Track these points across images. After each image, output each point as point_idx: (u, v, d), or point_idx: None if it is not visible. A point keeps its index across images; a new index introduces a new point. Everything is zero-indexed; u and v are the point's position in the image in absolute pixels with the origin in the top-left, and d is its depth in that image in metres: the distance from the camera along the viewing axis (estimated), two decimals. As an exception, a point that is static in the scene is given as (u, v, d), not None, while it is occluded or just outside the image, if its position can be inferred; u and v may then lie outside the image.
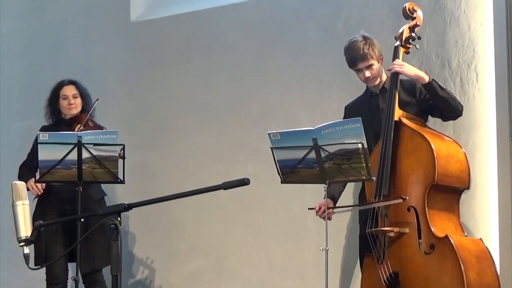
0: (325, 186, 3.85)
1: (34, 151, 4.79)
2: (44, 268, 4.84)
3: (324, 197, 3.90)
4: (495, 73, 4.47)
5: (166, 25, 5.90)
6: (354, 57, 4.09)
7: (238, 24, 5.55)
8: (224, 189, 2.58)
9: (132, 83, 5.94)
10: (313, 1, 5.25)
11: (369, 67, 4.07)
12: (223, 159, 5.49)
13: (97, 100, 4.93)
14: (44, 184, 4.72)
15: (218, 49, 5.62)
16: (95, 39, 6.20)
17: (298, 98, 5.22)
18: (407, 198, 3.74)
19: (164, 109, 5.81)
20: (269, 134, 3.89)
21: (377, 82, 4.13)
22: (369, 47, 4.06)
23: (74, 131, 4.77)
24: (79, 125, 4.84)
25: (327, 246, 3.83)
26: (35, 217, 4.49)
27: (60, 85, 4.99)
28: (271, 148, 3.89)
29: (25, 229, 2.80)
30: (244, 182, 2.56)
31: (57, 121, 4.99)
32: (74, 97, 4.94)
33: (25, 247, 2.80)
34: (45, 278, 4.86)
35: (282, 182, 3.96)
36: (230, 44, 5.57)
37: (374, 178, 3.83)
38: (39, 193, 4.71)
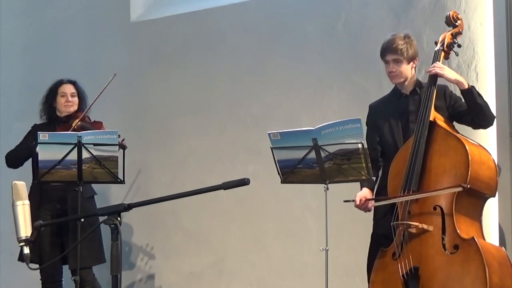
0: (325, 186, 3.85)
1: (25, 141, 4.92)
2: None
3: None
4: (495, 73, 4.47)
5: (166, 25, 5.90)
6: (385, 47, 4.08)
7: (238, 24, 5.55)
8: (224, 189, 2.58)
9: (132, 83, 5.94)
10: (313, 1, 5.25)
11: (396, 61, 4.05)
12: (223, 159, 5.49)
13: (115, 75, 5.00)
14: None
15: (218, 49, 5.62)
16: (95, 39, 6.20)
17: (298, 98, 5.22)
18: (468, 186, 3.72)
19: (164, 109, 5.81)
20: (269, 134, 3.89)
21: (399, 80, 4.10)
22: (404, 44, 4.05)
23: (71, 126, 4.81)
24: (77, 120, 4.86)
25: (327, 246, 3.83)
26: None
27: (59, 83, 5.03)
28: (271, 148, 3.88)
29: (25, 229, 2.79)
30: (244, 182, 2.56)
31: (51, 119, 5.01)
32: (72, 95, 4.98)
33: (25, 247, 2.79)
34: (40, 278, 4.86)
35: (282, 182, 3.95)
36: (230, 44, 5.57)
37: (374, 178, 3.82)
38: None
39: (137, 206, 2.72)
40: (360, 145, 3.69)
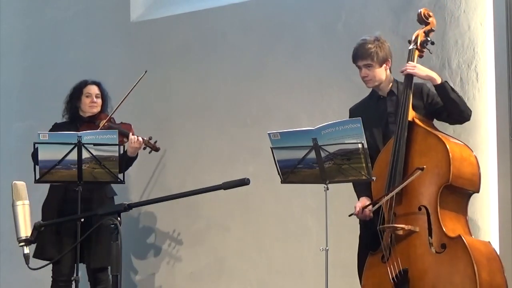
0: (325, 186, 3.85)
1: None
2: (44, 268, 4.83)
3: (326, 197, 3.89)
4: (495, 73, 4.47)
5: (166, 25, 5.90)
6: (356, 53, 4.10)
7: (238, 24, 5.55)
8: (224, 189, 2.58)
9: (132, 83, 5.93)
10: (313, 1, 5.25)
11: (367, 66, 4.07)
12: (223, 159, 5.49)
13: (146, 72, 5.04)
14: None
15: (218, 49, 5.62)
16: (95, 39, 6.20)
17: (298, 98, 5.22)
18: (424, 167, 3.73)
19: (164, 109, 5.81)
20: (269, 134, 3.89)
21: (374, 84, 4.11)
22: (375, 48, 4.05)
23: (98, 126, 4.86)
24: (103, 121, 4.90)
25: (327, 246, 3.83)
26: (51, 216, 4.62)
27: (84, 83, 5.06)
28: (271, 148, 3.88)
29: (25, 229, 2.80)
30: (244, 182, 2.56)
31: (73, 118, 5.02)
32: (97, 97, 5.02)
33: (25, 247, 2.79)
34: (51, 275, 4.86)
35: (282, 182, 3.95)
36: (230, 44, 5.57)
37: (374, 178, 3.82)
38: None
39: (137, 206, 2.73)
40: (360, 145, 3.69)
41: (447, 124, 4.45)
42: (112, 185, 4.99)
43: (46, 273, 4.88)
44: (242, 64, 5.50)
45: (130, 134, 4.83)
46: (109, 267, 3.15)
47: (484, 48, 4.54)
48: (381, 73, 4.09)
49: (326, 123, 3.80)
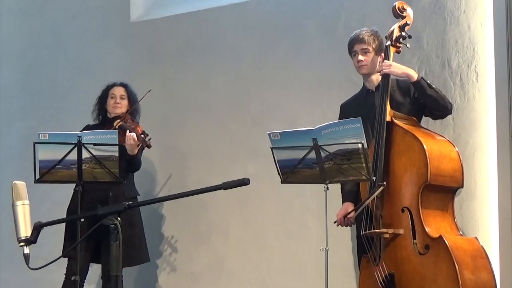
0: (325, 186, 3.85)
1: None
2: (45, 268, 4.82)
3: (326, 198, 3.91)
4: (495, 73, 4.46)
5: (166, 25, 5.90)
6: (352, 39, 4.15)
7: (238, 24, 5.55)
8: (224, 189, 2.58)
9: (132, 83, 5.93)
10: (313, 1, 5.25)
11: (364, 51, 4.09)
12: (223, 159, 5.49)
13: (149, 91, 5.06)
14: None
15: (218, 49, 5.62)
16: (95, 39, 6.20)
17: (298, 98, 5.22)
18: (384, 183, 3.74)
19: (164, 109, 5.80)
20: (269, 134, 3.89)
21: (368, 71, 4.13)
22: (371, 36, 4.11)
23: (114, 126, 4.88)
24: (119, 120, 4.94)
25: (327, 246, 3.83)
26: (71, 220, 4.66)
27: (111, 85, 5.13)
28: (271, 148, 3.88)
29: (25, 229, 2.79)
30: (244, 182, 2.55)
31: (103, 120, 5.09)
32: (122, 98, 5.06)
33: (25, 247, 2.79)
34: (65, 272, 4.86)
35: (282, 182, 3.95)
36: (230, 44, 5.57)
37: (375, 178, 3.82)
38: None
39: (137, 206, 2.73)
40: (360, 145, 3.69)
41: (446, 123, 4.46)
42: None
43: (46, 273, 4.88)
44: (242, 64, 5.50)
45: (128, 131, 4.81)
46: (110, 267, 3.14)
47: (484, 48, 4.54)
48: (376, 61, 4.11)
49: (326, 123, 3.79)
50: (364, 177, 3.77)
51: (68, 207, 4.94)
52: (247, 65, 5.47)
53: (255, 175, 4.99)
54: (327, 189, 3.89)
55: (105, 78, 5.75)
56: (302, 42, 5.25)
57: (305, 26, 5.25)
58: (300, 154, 3.80)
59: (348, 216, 4.06)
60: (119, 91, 5.08)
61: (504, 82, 4.40)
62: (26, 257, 2.80)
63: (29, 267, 2.81)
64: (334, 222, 4.11)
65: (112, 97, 5.06)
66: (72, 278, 4.60)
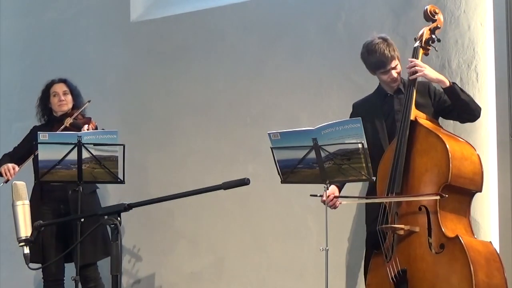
0: (325, 186, 3.85)
1: (23, 144, 4.93)
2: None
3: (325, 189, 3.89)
4: (495, 73, 4.47)
5: (166, 25, 5.90)
6: (381, 60, 4.05)
7: (238, 24, 5.55)
8: (224, 189, 2.58)
9: (132, 83, 5.94)
10: (313, 1, 5.25)
11: (396, 68, 4.08)
12: (223, 159, 5.49)
13: (89, 101, 5.01)
14: (15, 170, 4.69)
15: (218, 49, 5.62)
16: (95, 39, 6.20)
17: (298, 98, 5.22)
18: (446, 195, 3.70)
19: (164, 109, 5.81)
20: (269, 134, 3.89)
21: (400, 82, 4.13)
22: (390, 48, 4.06)
23: (64, 124, 4.83)
24: (69, 118, 4.88)
25: (327, 246, 3.83)
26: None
27: (51, 84, 5.06)
28: (271, 148, 3.88)
29: (25, 229, 2.80)
30: (244, 182, 2.56)
31: (49, 120, 5.04)
32: (65, 93, 5.00)
33: (25, 247, 2.80)
34: (42, 276, 4.87)
35: (282, 182, 3.95)
36: (230, 44, 5.57)
37: (374, 178, 3.82)
38: (9, 178, 4.62)
39: (137, 206, 2.73)
40: (360, 145, 3.69)
41: (447, 123, 4.46)
42: (112, 185, 4.99)
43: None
44: (242, 64, 5.50)
45: (84, 127, 4.76)
46: (109, 267, 3.14)
47: (484, 48, 4.54)
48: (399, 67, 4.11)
49: (326, 123, 3.79)
50: (364, 177, 3.77)
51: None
52: (247, 65, 5.47)
53: (255, 175, 5.00)
54: (327, 189, 3.89)
55: (105, 78, 5.76)
56: (302, 42, 5.25)
57: (305, 26, 5.25)
58: (300, 154, 3.81)
59: (336, 200, 4.02)
60: (60, 87, 5.01)
61: (504, 82, 4.40)
62: (26, 257, 2.80)
63: (29, 267, 2.81)
64: (312, 195, 4.01)
65: (54, 95, 4.99)
66: (72, 278, 4.60)
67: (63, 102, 4.97)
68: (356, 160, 3.72)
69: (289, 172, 3.88)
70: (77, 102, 5.01)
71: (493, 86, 4.47)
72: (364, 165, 3.72)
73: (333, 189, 4.10)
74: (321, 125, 3.78)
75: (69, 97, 5.00)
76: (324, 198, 3.96)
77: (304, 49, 5.24)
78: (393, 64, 4.07)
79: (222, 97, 5.56)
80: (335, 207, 4.06)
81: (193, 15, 5.77)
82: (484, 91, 4.52)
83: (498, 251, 4.26)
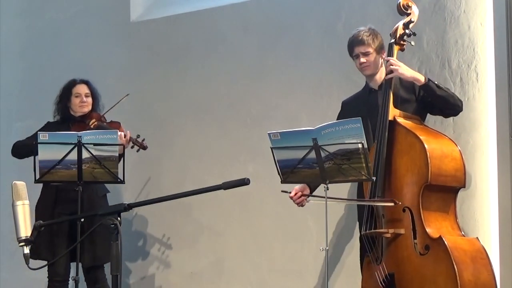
0: (325, 186, 3.85)
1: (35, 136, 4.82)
2: (44, 268, 4.84)
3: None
4: (495, 73, 4.46)
5: (166, 25, 5.90)
6: (352, 42, 4.13)
7: (238, 24, 5.55)
8: (224, 189, 2.58)
9: (132, 83, 5.93)
10: (313, 1, 5.25)
11: (366, 54, 4.09)
12: (223, 159, 5.49)
13: (127, 95, 5.05)
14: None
15: (218, 49, 5.62)
16: (95, 39, 6.20)
17: (298, 98, 5.22)
18: (399, 203, 3.73)
19: (164, 109, 5.81)
20: (269, 134, 3.89)
21: (372, 71, 4.13)
22: (370, 35, 4.10)
23: (88, 126, 4.86)
24: (94, 119, 4.91)
25: (327, 246, 3.83)
26: (45, 217, 4.50)
27: (73, 83, 5.04)
28: (271, 148, 3.88)
29: (25, 229, 2.80)
30: (244, 182, 2.56)
31: (65, 118, 5.02)
32: (87, 96, 5.01)
33: (25, 247, 2.80)
34: (47, 275, 4.86)
35: (282, 182, 3.95)
36: (230, 44, 5.57)
37: (375, 178, 3.82)
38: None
39: (137, 206, 2.73)
40: (360, 145, 3.69)
41: (446, 123, 4.46)
42: (112, 185, 4.99)
43: (46, 273, 4.89)
44: (242, 64, 5.50)
45: (123, 132, 4.80)
46: (110, 267, 3.15)
47: (484, 48, 4.54)
48: (378, 60, 4.11)
49: (326, 123, 3.79)
50: (364, 177, 3.77)
51: (38, 204, 4.79)
52: (247, 65, 5.47)
53: (255, 175, 4.99)
54: (327, 189, 3.89)
55: (105, 78, 5.76)
56: (302, 42, 5.25)
57: (305, 26, 5.25)
58: (300, 154, 3.80)
59: (305, 197, 4.03)
60: (83, 89, 5.01)
61: (504, 82, 4.40)
62: (26, 257, 2.80)
63: (29, 267, 2.81)
64: (283, 191, 4.03)
65: (77, 96, 4.98)
66: (73, 279, 4.60)
67: (84, 104, 4.98)
68: (356, 160, 3.72)
69: (289, 172, 3.88)
70: (96, 105, 5.03)
71: (493, 86, 4.47)
72: (364, 165, 3.72)
73: (302, 187, 4.10)
74: (321, 125, 3.78)
75: (90, 99, 5.01)
76: (292, 194, 3.99)
77: (304, 49, 5.24)
78: (363, 50, 4.07)
79: (222, 97, 5.56)
80: (302, 205, 4.08)
81: (193, 15, 5.77)
82: (484, 91, 4.52)
83: (498, 251, 4.27)
